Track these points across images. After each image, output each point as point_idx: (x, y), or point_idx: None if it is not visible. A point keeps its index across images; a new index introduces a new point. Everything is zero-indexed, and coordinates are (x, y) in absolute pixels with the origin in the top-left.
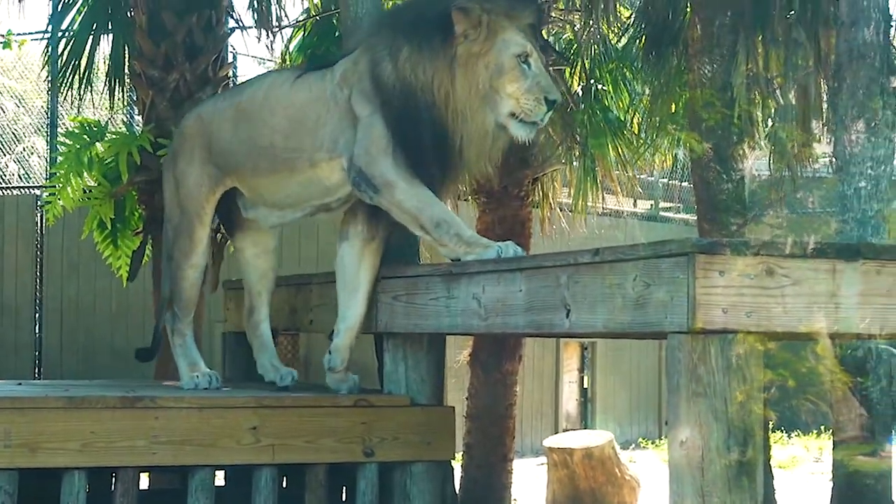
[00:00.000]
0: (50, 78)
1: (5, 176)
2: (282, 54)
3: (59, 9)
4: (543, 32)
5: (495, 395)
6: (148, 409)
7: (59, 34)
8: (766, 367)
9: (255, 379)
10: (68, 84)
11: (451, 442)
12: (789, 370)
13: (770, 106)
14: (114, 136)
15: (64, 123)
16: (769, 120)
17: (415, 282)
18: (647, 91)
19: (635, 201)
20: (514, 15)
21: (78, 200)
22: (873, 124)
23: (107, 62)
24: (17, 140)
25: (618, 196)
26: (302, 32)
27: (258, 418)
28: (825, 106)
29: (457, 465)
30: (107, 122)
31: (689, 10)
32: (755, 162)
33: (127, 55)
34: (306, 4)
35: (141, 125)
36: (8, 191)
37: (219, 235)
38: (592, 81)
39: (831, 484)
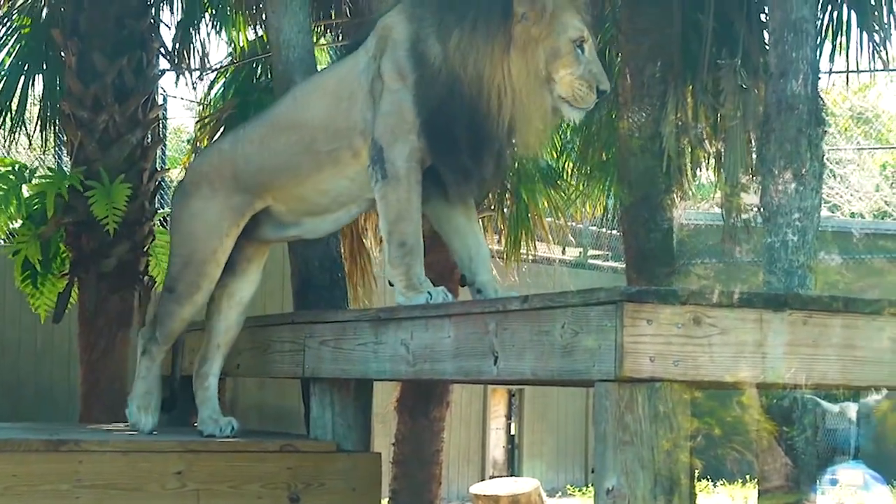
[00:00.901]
0: None
1: None
2: (202, 99)
3: None
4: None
5: (422, 441)
6: (72, 453)
7: None
8: (692, 416)
9: (181, 423)
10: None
11: (378, 488)
12: (715, 419)
13: (699, 155)
14: (42, 178)
15: None
16: (698, 169)
17: (343, 327)
18: (579, 139)
19: (564, 248)
20: None
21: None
22: (801, 175)
23: (37, 103)
24: None
25: (548, 244)
26: (224, 77)
27: (184, 463)
28: (754, 156)
29: None
30: (36, 166)
31: (619, 59)
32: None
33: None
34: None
35: (69, 166)
36: None
37: (146, 278)
38: None
39: None
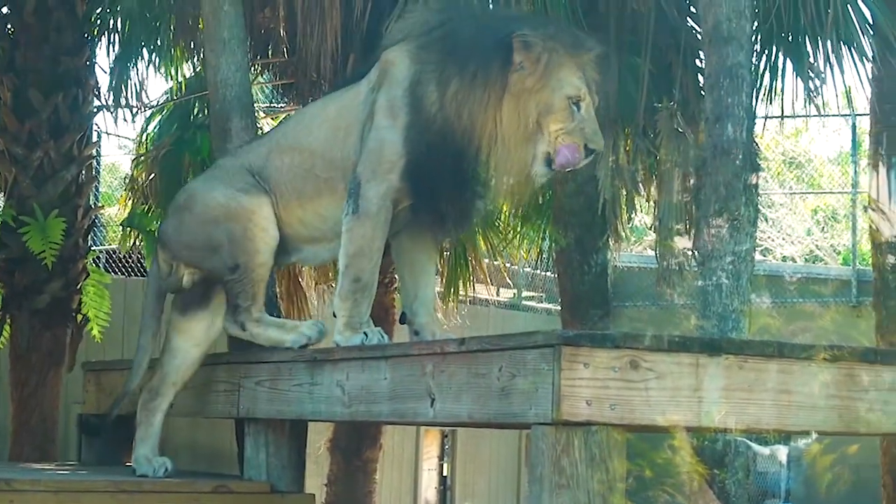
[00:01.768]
0: None
1: None
2: (139, 136)
3: None
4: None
5: (355, 481)
6: (3, 493)
7: None
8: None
9: (113, 462)
10: None
11: None
12: (647, 460)
13: (634, 198)
14: None
15: None
16: (632, 212)
17: (278, 367)
18: None
19: (498, 290)
20: (576, 53)
21: None
22: (735, 219)
23: None
24: None
25: (487, 285)
26: (160, 115)
27: (116, 503)
28: (688, 200)
29: None
30: None
31: None
32: (618, 254)
33: None
34: (170, 84)
35: (2, 202)
36: None
37: (79, 316)
38: None
39: None
